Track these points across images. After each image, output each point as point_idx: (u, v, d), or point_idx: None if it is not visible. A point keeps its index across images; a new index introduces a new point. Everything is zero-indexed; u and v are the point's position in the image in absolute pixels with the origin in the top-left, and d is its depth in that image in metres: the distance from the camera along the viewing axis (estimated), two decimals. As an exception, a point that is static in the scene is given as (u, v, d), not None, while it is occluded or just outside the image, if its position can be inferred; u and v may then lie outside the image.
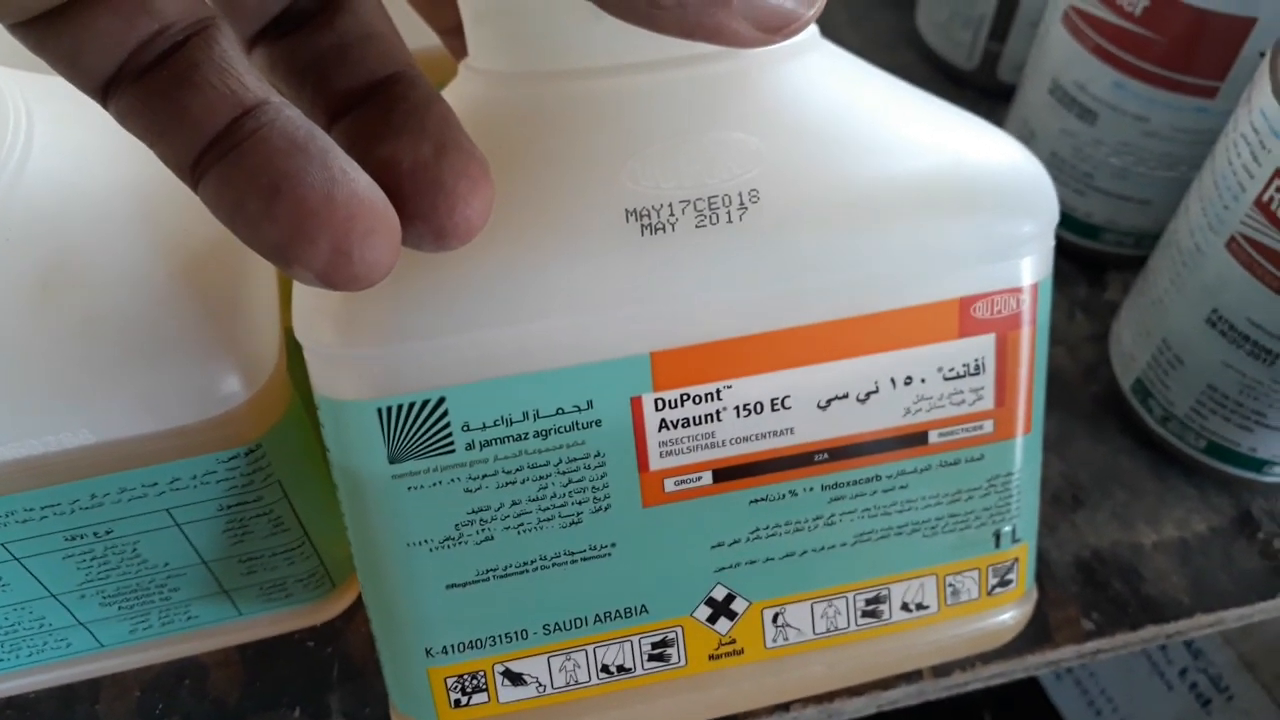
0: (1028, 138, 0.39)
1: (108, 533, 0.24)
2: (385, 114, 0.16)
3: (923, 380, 0.22)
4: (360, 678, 0.29)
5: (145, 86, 0.14)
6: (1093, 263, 0.40)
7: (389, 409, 0.20)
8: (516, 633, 0.23)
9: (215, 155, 0.14)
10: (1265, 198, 0.27)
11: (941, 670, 0.30)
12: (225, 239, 0.23)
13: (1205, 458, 0.33)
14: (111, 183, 0.23)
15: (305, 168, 0.14)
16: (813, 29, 0.20)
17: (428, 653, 0.23)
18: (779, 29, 0.15)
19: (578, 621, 0.23)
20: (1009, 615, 0.26)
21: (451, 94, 0.20)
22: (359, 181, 0.14)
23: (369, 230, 0.14)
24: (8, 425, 0.22)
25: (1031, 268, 0.22)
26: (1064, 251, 0.41)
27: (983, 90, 0.46)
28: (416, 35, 0.21)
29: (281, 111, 0.14)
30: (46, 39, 0.14)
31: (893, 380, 0.22)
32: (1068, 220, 0.39)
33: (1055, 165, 0.38)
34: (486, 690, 0.24)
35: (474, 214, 0.15)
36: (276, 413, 0.24)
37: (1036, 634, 0.30)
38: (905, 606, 0.25)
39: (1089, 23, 0.34)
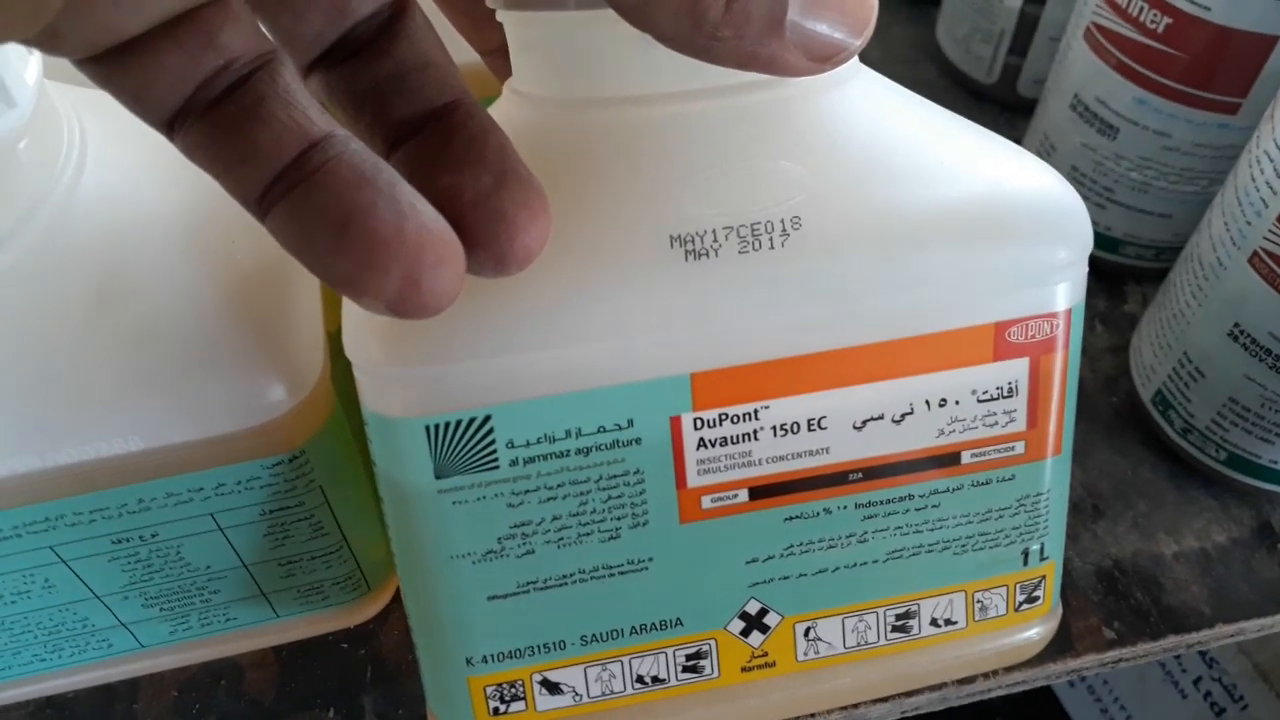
0: (1048, 152, 0.39)
1: (153, 536, 0.25)
2: (444, 143, 0.16)
3: (957, 402, 0.23)
4: (394, 679, 0.30)
5: (211, 120, 0.15)
6: (1112, 275, 0.41)
7: (436, 426, 0.21)
8: (555, 643, 0.24)
9: (283, 188, 0.14)
10: (1288, 215, 0.27)
11: (965, 678, 0.31)
12: (271, 252, 0.24)
13: (1226, 469, 0.33)
14: (161, 196, 0.24)
15: (374, 201, 0.14)
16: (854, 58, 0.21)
17: (468, 662, 0.24)
18: (829, 58, 0.15)
19: (614, 633, 0.24)
20: (1035, 631, 0.27)
21: (496, 115, 0.21)
22: (426, 214, 0.14)
23: (438, 261, 0.14)
24: (60, 432, 0.22)
25: (1066, 293, 0.22)
26: (1084, 263, 0.41)
27: (1002, 104, 0.47)
28: (456, 53, 0.21)
29: (348, 144, 0.15)
30: (113, 74, 0.14)
31: (927, 402, 0.22)
32: (1088, 233, 0.39)
33: (1075, 179, 0.38)
34: (524, 699, 0.24)
35: (533, 241, 0.16)
36: (319, 420, 0.24)
37: (1058, 643, 0.31)
38: (934, 622, 0.25)
39: (1111, 39, 0.34)
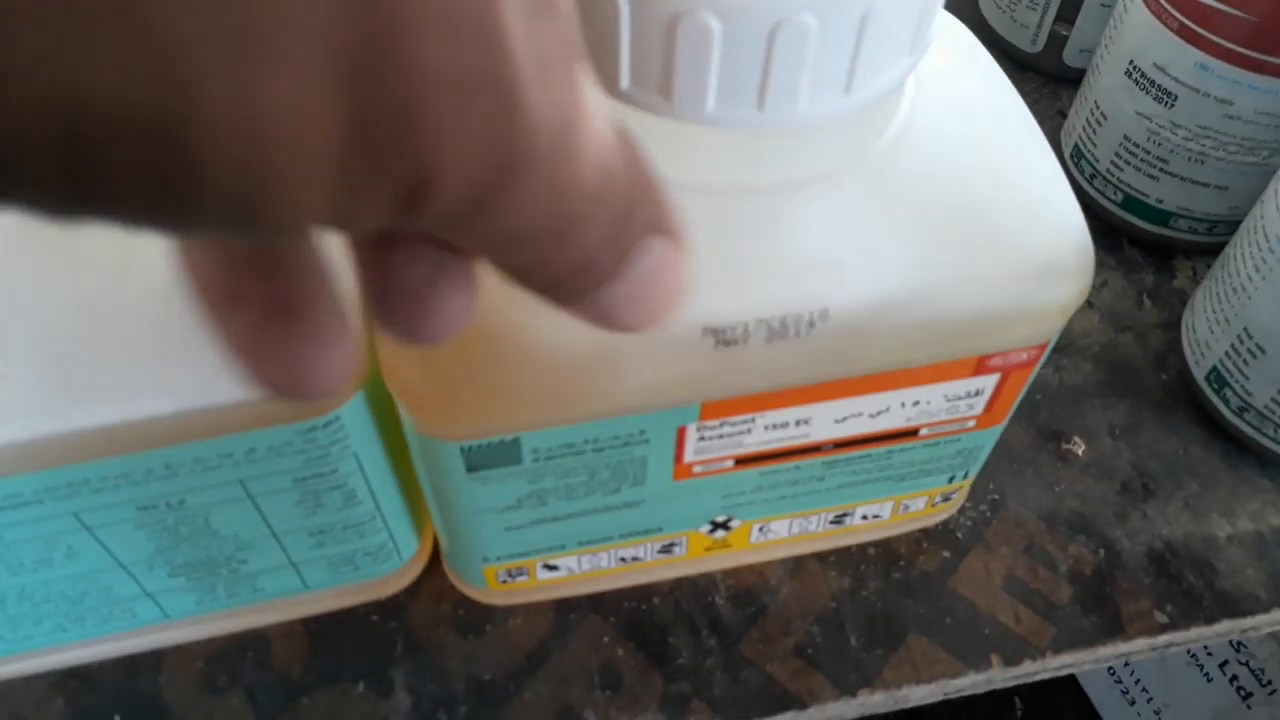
0: (1099, 122, 0.38)
1: (180, 503, 0.24)
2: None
3: (928, 403, 0.24)
4: (424, 652, 0.29)
5: None
6: (1161, 249, 0.39)
7: (470, 447, 0.23)
8: (556, 547, 0.28)
9: None
10: (1365, 183, 0.26)
11: (1011, 659, 0.30)
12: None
13: (1284, 450, 0.32)
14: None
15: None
16: (909, 94, 0.21)
17: (484, 560, 0.28)
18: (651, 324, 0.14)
19: (605, 539, 0.28)
20: (944, 516, 0.32)
21: None
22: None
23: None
24: (85, 392, 0.21)
25: (1056, 328, 0.23)
26: (1132, 237, 0.40)
27: (1047, 75, 0.45)
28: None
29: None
30: None
31: (902, 404, 0.24)
32: (1138, 206, 0.38)
33: (1127, 149, 0.37)
34: (528, 574, 0.29)
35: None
36: (356, 384, 0.23)
37: (1109, 625, 0.30)
38: (864, 518, 0.30)
39: (1173, 2, 0.33)
